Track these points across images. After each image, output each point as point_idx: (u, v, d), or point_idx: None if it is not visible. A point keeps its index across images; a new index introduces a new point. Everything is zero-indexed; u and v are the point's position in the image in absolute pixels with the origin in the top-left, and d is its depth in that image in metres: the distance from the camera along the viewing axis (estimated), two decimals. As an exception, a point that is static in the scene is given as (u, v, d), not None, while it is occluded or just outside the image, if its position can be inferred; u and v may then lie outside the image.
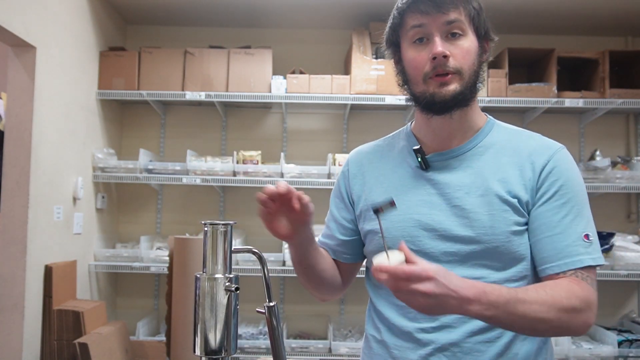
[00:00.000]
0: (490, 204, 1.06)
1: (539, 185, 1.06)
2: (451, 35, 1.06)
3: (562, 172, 1.07)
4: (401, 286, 0.86)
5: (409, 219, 1.11)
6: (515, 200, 1.06)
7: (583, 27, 3.59)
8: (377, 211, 0.97)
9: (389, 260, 0.89)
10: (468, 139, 1.13)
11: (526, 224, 1.07)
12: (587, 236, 1.04)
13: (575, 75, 3.52)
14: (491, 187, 1.07)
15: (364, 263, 1.28)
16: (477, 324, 1.05)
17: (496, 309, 0.91)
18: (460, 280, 0.90)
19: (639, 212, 3.62)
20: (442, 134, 1.14)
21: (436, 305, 0.87)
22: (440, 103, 1.07)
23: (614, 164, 3.38)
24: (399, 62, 1.15)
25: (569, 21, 3.49)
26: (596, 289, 1.03)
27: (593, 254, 1.04)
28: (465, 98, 1.08)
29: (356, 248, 1.27)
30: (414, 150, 1.14)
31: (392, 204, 0.97)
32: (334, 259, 1.28)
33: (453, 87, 1.06)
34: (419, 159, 1.13)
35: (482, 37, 1.12)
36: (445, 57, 1.04)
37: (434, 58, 1.05)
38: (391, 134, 1.28)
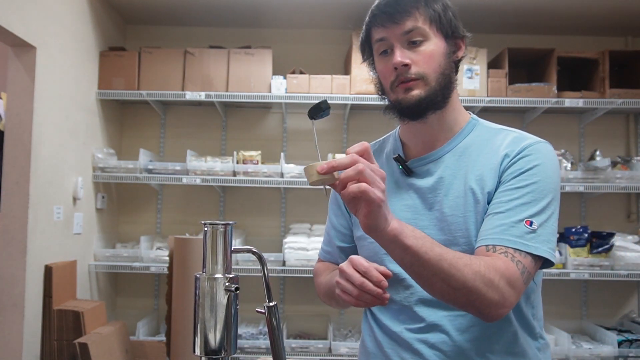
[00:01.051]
0: (466, 205, 1.06)
1: (503, 171, 1.05)
2: (412, 43, 1.08)
3: (532, 161, 1.04)
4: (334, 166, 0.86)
5: None
6: (489, 199, 1.06)
7: (583, 27, 3.59)
8: (313, 115, 0.97)
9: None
10: (448, 141, 1.14)
11: None
12: (529, 222, 0.99)
13: (575, 75, 3.52)
14: (467, 189, 1.07)
15: None
16: (466, 324, 1.05)
17: (415, 239, 0.90)
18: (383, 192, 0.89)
19: (639, 212, 3.61)
20: (423, 138, 1.16)
21: (363, 198, 0.85)
22: (407, 109, 1.09)
23: (614, 164, 3.38)
24: (375, 73, 1.18)
25: (569, 21, 3.49)
26: (525, 282, 0.97)
27: (529, 242, 0.97)
28: (434, 101, 1.09)
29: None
30: (394, 158, 1.17)
31: (326, 105, 0.96)
32: (333, 263, 1.31)
33: (417, 92, 1.08)
34: (400, 167, 1.16)
35: (451, 36, 1.11)
36: (406, 65, 1.07)
37: (396, 68, 1.08)
38: (382, 137, 1.30)
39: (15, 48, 2.56)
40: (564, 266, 3.19)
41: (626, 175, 3.23)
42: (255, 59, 3.30)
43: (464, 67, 3.21)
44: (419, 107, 1.09)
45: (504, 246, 0.98)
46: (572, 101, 3.23)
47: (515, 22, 3.51)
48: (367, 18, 1.13)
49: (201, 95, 3.25)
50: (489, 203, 1.05)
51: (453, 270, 0.91)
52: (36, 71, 2.58)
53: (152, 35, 3.72)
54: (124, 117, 3.68)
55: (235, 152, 3.30)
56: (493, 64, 3.38)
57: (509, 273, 0.94)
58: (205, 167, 3.25)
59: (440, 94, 1.09)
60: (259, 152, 3.34)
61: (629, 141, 3.67)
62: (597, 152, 3.45)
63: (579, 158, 3.62)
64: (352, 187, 0.85)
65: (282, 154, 3.35)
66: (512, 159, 1.05)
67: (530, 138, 1.09)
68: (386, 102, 1.17)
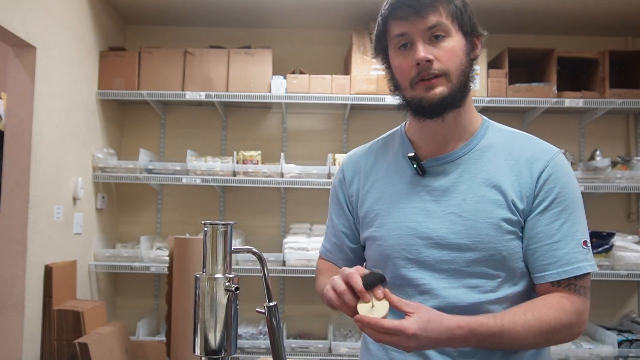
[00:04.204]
0: (486, 211, 1.05)
1: (536, 193, 1.06)
2: (434, 38, 1.05)
3: (560, 179, 1.06)
4: (383, 339, 0.91)
5: (405, 227, 1.10)
6: (512, 207, 1.05)
7: (583, 27, 3.59)
8: (368, 287, 0.95)
9: (372, 309, 0.93)
10: (464, 142, 1.12)
11: (522, 231, 1.07)
12: (585, 242, 1.05)
13: (575, 75, 3.52)
14: (488, 194, 1.06)
15: (364, 265, 1.27)
16: None
17: (484, 342, 0.97)
18: (443, 326, 0.93)
19: (639, 212, 3.61)
20: (436, 137, 1.13)
21: (423, 348, 0.95)
22: (429, 107, 1.06)
23: (614, 164, 3.38)
24: (388, 68, 1.14)
25: (569, 21, 3.49)
26: (589, 297, 1.07)
27: (591, 260, 1.05)
28: (455, 99, 1.07)
29: (362, 254, 1.27)
30: (409, 157, 1.13)
31: (382, 279, 0.95)
32: (335, 264, 1.29)
33: (440, 89, 1.05)
34: (415, 166, 1.12)
35: (469, 34, 1.09)
36: (429, 61, 1.04)
37: (418, 64, 1.04)
38: (384, 135, 1.27)
39: (15, 48, 2.56)
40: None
41: (626, 175, 3.23)
42: (255, 59, 3.30)
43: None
44: (441, 106, 1.05)
45: (567, 279, 1.04)
46: (572, 101, 3.23)
47: (515, 22, 3.50)
48: (384, 10, 1.09)
49: (201, 95, 3.25)
50: (519, 214, 1.06)
51: (526, 345, 1.02)
52: (36, 71, 2.58)
53: (152, 35, 3.72)
54: (124, 117, 3.68)
55: (235, 152, 3.30)
56: (493, 64, 3.38)
57: (575, 308, 1.03)
58: (205, 167, 3.25)
59: (461, 92, 1.07)
60: (259, 152, 3.34)
61: (629, 141, 3.67)
62: (597, 152, 3.45)
63: (579, 158, 3.62)
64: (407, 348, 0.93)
65: (282, 154, 3.35)
66: (540, 176, 1.06)
67: (547, 148, 1.10)
68: (398, 100, 1.13)
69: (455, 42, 1.06)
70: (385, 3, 1.09)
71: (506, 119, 3.70)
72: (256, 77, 3.29)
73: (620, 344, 3.12)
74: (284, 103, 3.47)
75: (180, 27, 3.73)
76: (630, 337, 3.20)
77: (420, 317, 0.91)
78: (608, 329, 3.29)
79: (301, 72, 3.36)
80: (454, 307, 1.04)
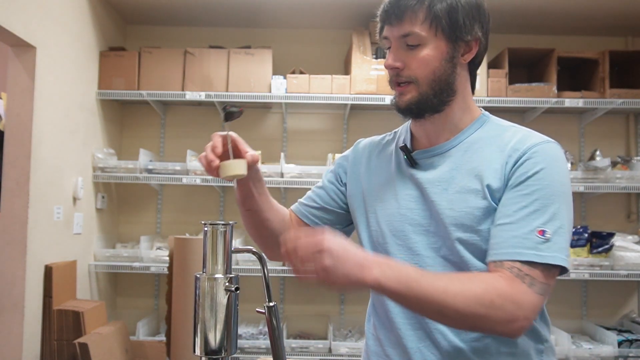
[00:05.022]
0: (464, 201, 1.05)
1: (510, 174, 1.04)
2: (409, 46, 1.07)
3: (537, 164, 1.01)
4: (297, 260, 0.91)
5: (396, 213, 1.13)
6: (486, 193, 1.05)
7: (583, 27, 3.59)
8: (227, 117, 1.01)
9: (230, 165, 0.99)
10: (454, 136, 1.13)
11: None
12: (542, 232, 0.97)
13: (575, 75, 3.52)
14: (468, 184, 1.06)
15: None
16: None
17: (399, 283, 0.91)
18: (358, 250, 0.93)
19: (639, 212, 3.61)
20: (428, 132, 1.15)
21: (334, 271, 0.89)
22: (401, 111, 1.11)
23: (614, 164, 3.38)
24: None
25: (569, 21, 3.49)
26: (540, 292, 0.96)
27: (543, 252, 0.96)
28: (431, 105, 1.08)
29: (331, 220, 1.28)
30: (400, 148, 1.17)
31: (239, 111, 1.01)
32: (299, 219, 1.29)
33: (409, 96, 1.08)
34: (405, 157, 1.16)
35: (456, 39, 1.07)
36: (397, 68, 1.07)
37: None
38: (397, 129, 1.29)
39: (15, 48, 2.56)
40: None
41: (626, 175, 3.23)
42: (255, 59, 3.30)
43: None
44: (410, 111, 1.09)
45: (511, 261, 0.96)
46: (572, 101, 3.23)
47: (515, 22, 3.51)
48: (379, 12, 1.12)
49: (201, 95, 3.25)
50: (493, 200, 1.04)
51: (443, 304, 0.92)
52: (36, 71, 2.58)
53: (152, 35, 3.72)
54: (124, 117, 3.68)
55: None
56: (493, 64, 3.38)
57: (512, 291, 0.94)
58: (205, 167, 3.24)
59: (436, 98, 1.08)
60: (259, 152, 3.34)
61: (629, 141, 3.67)
62: (597, 152, 3.45)
63: (579, 158, 3.62)
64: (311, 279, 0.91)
65: (282, 154, 3.35)
66: (517, 161, 1.03)
67: (536, 137, 1.06)
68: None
69: (429, 51, 1.06)
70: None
71: (506, 119, 3.67)
72: (256, 77, 3.29)
73: (620, 344, 3.12)
74: (284, 103, 3.47)
75: (180, 27, 3.73)
76: (630, 337, 3.20)
77: (335, 236, 0.92)
78: (608, 329, 3.29)
79: (301, 72, 3.36)
80: None
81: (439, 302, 0.92)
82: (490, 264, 1.00)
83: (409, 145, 1.17)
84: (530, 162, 1.02)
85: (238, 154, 1.03)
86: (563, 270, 0.99)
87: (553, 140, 1.07)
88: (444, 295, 0.92)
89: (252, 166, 1.11)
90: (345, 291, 0.97)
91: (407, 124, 1.25)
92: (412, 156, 1.15)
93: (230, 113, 0.99)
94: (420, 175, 1.13)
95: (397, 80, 1.08)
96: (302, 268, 0.90)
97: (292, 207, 1.34)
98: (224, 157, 1.06)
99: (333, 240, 0.91)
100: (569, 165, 3.37)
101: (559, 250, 0.97)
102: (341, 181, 1.28)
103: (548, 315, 1.12)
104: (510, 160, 1.04)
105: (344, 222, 1.29)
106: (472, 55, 1.10)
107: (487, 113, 1.18)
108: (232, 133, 1.03)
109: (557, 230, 0.98)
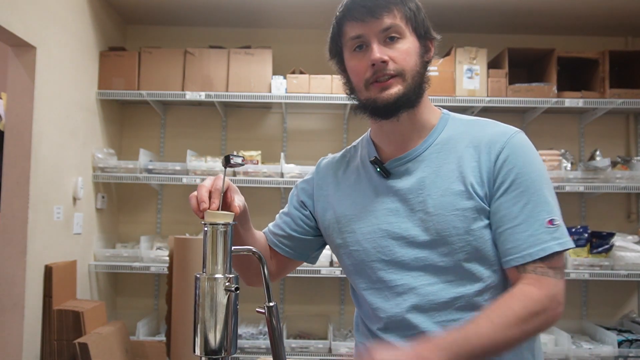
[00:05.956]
0: (451, 204, 1.05)
1: (495, 176, 1.05)
2: (389, 40, 1.06)
3: (518, 159, 1.04)
4: None
5: (378, 229, 1.11)
6: (474, 194, 1.04)
7: (583, 27, 3.59)
8: (227, 163, 0.98)
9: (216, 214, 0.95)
10: (423, 139, 1.12)
11: (488, 218, 1.06)
12: (551, 221, 1.01)
13: (575, 75, 3.52)
14: (451, 186, 1.06)
15: (337, 273, 1.28)
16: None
17: (456, 355, 0.93)
18: (404, 347, 0.95)
19: (639, 212, 3.61)
20: (396, 138, 1.13)
21: None
22: (384, 107, 1.07)
23: (614, 164, 3.38)
24: (343, 72, 1.15)
25: (569, 21, 3.49)
26: (562, 276, 1.02)
27: (560, 239, 1.01)
28: (410, 99, 1.07)
29: (302, 247, 1.26)
30: (371, 161, 1.15)
31: (242, 160, 1.00)
32: (271, 248, 1.27)
33: (396, 89, 1.06)
34: (378, 169, 1.13)
35: (423, 37, 1.10)
36: (385, 62, 1.05)
37: (373, 65, 1.05)
38: (355, 142, 1.27)
39: (15, 48, 2.56)
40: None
41: (626, 175, 3.23)
42: (255, 59, 3.30)
43: (463, 67, 3.21)
44: (396, 105, 1.06)
45: (532, 262, 1.00)
46: (572, 101, 3.23)
47: (515, 22, 3.51)
48: (338, 12, 1.10)
49: (201, 95, 3.25)
50: (480, 198, 1.04)
51: (501, 342, 0.96)
52: (36, 71, 2.58)
53: (152, 35, 3.72)
54: (124, 117, 3.68)
55: (235, 152, 3.29)
56: (493, 64, 3.38)
57: (544, 292, 0.98)
58: (205, 167, 3.25)
59: (416, 91, 1.08)
60: (259, 152, 3.34)
61: (629, 141, 3.67)
62: (597, 152, 3.45)
63: (579, 158, 3.62)
64: None
65: (282, 154, 3.35)
66: (496, 159, 1.05)
67: (506, 131, 1.08)
68: (356, 102, 1.13)
69: (409, 44, 1.07)
70: (339, 5, 1.10)
71: (506, 119, 3.68)
72: (256, 77, 3.29)
73: (620, 344, 3.12)
74: (284, 103, 3.47)
75: (180, 27, 3.73)
76: (630, 337, 3.20)
77: (381, 346, 0.95)
78: (608, 329, 3.29)
79: (301, 72, 3.36)
80: (435, 304, 1.05)
81: (497, 343, 0.95)
82: (512, 270, 1.03)
83: (377, 157, 1.15)
84: (511, 159, 1.04)
85: (227, 201, 1.01)
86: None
87: (517, 129, 1.10)
88: (495, 335, 0.95)
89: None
90: None
91: (365, 136, 1.23)
92: (384, 167, 1.13)
93: (232, 163, 0.99)
94: (398, 184, 1.11)
95: (383, 74, 1.06)
96: None
97: (264, 231, 1.31)
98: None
99: (382, 352, 0.91)
100: (569, 165, 3.37)
101: (567, 234, 1.03)
102: (305, 206, 1.25)
103: None
104: (490, 158, 1.05)
105: (315, 246, 1.28)
106: (431, 56, 1.12)
107: (447, 111, 1.18)
108: (227, 180, 1.01)
109: (557, 213, 1.03)
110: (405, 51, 1.06)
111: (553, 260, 1.00)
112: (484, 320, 0.96)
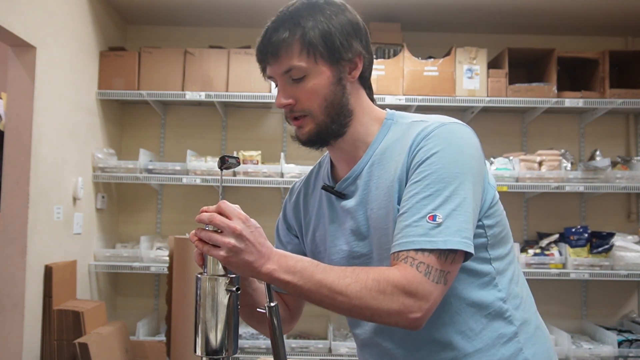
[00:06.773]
0: (387, 216, 1.02)
1: (408, 167, 1.01)
2: (294, 80, 1.04)
3: (430, 149, 0.97)
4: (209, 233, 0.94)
5: (340, 250, 1.11)
6: (400, 197, 1.01)
7: (583, 27, 3.59)
8: (222, 164, 0.99)
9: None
10: (364, 153, 1.10)
11: None
12: (432, 217, 0.93)
13: (575, 75, 3.53)
14: (387, 198, 1.03)
15: None
16: (418, 344, 1.04)
17: (292, 275, 0.92)
18: (265, 240, 0.94)
19: (639, 212, 3.62)
20: (342, 156, 1.12)
21: (235, 254, 0.91)
22: (303, 143, 1.08)
23: (614, 164, 3.38)
24: None
25: (569, 21, 3.49)
26: (438, 281, 0.91)
27: (434, 237, 0.91)
28: (328, 133, 1.06)
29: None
30: (322, 188, 1.14)
31: (237, 162, 1.01)
32: (278, 293, 1.26)
33: (307, 129, 1.05)
34: (332, 194, 1.13)
35: (337, 61, 1.04)
36: (289, 104, 1.04)
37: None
38: (321, 158, 1.26)
39: (15, 48, 2.56)
40: (564, 266, 3.19)
41: (626, 175, 3.23)
42: (255, 59, 3.29)
43: (463, 67, 3.21)
44: (313, 142, 1.06)
45: (405, 250, 0.93)
46: (572, 101, 3.23)
47: (515, 22, 3.51)
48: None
49: (201, 95, 3.25)
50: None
51: (334, 294, 0.92)
52: (36, 71, 2.58)
53: (152, 35, 3.72)
54: (124, 117, 3.68)
55: (235, 152, 3.30)
56: (493, 64, 3.38)
57: (405, 281, 0.91)
58: (205, 167, 3.25)
59: (335, 124, 1.05)
60: (259, 152, 3.34)
61: (629, 141, 3.68)
62: (597, 152, 3.45)
63: (579, 158, 3.62)
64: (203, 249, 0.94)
65: (282, 154, 3.35)
66: (413, 151, 1.00)
67: (433, 123, 1.02)
68: None
69: (316, 80, 1.03)
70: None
71: (506, 119, 3.70)
72: (256, 77, 3.29)
73: (620, 344, 3.12)
74: (284, 103, 3.47)
75: (180, 27, 3.73)
76: (630, 337, 3.20)
77: (249, 221, 0.94)
78: (608, 329, 3.29)
79: (301, 72, 3.35)
80: (391, 328, 1.04)
81: (328, 294, 0.92)
82: (391, 257, 0.97)
83: (329, 179, 1.14)
84: (423, 149, 0.98)
85: None
86: (467, 255, 0.95)
87: (456, 121, 1.03)
88: (336, 285, 0.92)
89: None
90: (246, 276, 0.97)
91: (327, 154, 1.21)
92: (336, 191, 1.11)
93: (227, 164, 1.00)
94: (349, 204, 1.09)
95: (292, 115, 1.06)
96: (211, 238, 0.92)
97: None
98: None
99: (250, 230, 0.92)
100: (569, 165, 3.36)
101: (453, 234, 0.92)
102: (290, 225, 1.27)
103: (524, 293, 1.09)
104: (410, 154, 1.01)
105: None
106: (359, 71, 1.07)
107: (392, 113, 1.13)
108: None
109: (451, 214, 0.93)
110: (309, 90, 1.03)
111: (431, 257, 0.92)
112: (338, 270, 0.94)
